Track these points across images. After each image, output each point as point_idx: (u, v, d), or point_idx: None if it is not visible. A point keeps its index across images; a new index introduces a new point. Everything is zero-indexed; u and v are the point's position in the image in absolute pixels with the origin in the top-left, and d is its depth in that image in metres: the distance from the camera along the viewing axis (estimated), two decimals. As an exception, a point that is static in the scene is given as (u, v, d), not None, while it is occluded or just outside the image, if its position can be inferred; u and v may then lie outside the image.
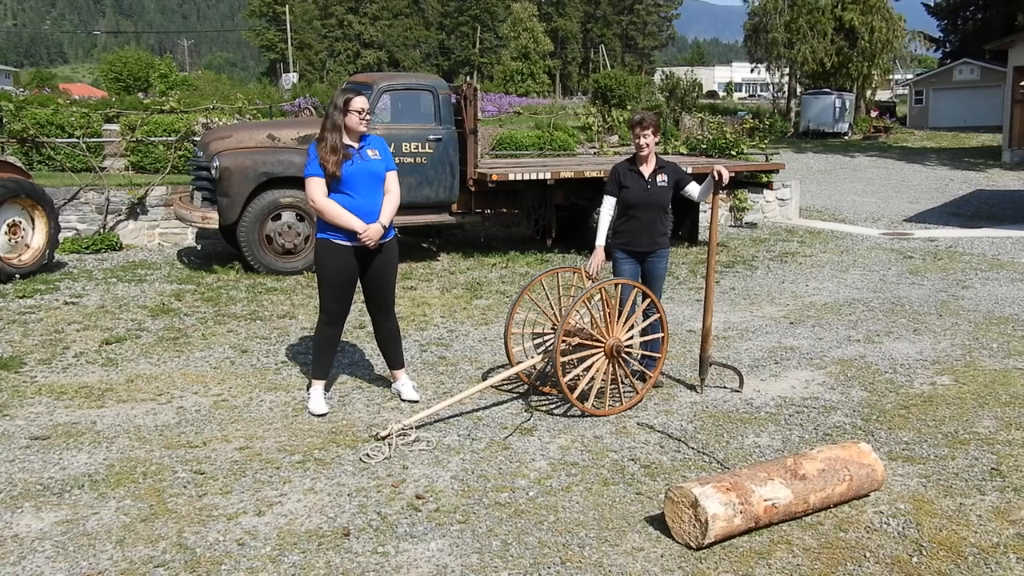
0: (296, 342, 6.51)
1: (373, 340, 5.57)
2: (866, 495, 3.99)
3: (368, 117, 4.84)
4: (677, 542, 3.56)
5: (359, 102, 4.78)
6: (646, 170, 5.37)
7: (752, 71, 45.38)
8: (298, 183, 8.44)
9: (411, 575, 3.32)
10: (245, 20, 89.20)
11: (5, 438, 4.59)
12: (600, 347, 5.00)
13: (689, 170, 5.65)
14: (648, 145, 5.31)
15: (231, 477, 4.14)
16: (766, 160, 14.02)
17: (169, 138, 12.29)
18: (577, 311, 5.06)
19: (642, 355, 5.36)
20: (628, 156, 5.60)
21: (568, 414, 5.05)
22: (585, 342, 5.03)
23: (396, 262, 5.18)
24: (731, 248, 11.06)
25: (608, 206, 5.46)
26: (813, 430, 4.86)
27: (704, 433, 4.80)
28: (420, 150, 9.31)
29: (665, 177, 5.39)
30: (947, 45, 42.55)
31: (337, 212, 4.78)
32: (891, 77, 46.09)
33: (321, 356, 5.10)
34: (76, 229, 10.56)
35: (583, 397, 5.00)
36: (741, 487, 3.57)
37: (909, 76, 46.68)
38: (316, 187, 4.79)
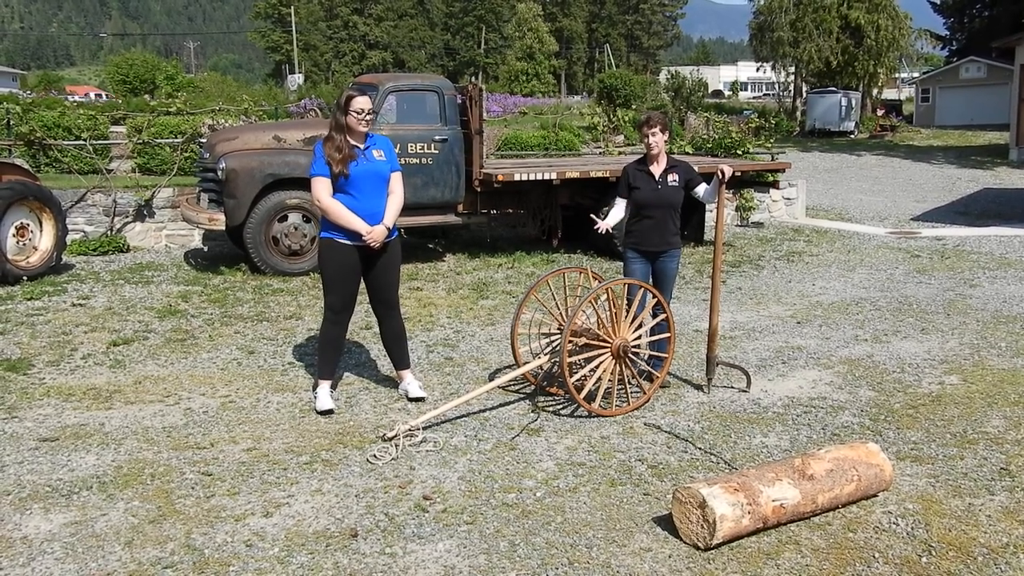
0: (303, 343, 6.52)
1: (379, 341, 5.58)
2: (875, 495, 3.97)
3: (369, 118, 4.85)
4: (685, 543, 3.55)
5: (359, 102, 4.80)
6: (656, 170, 5.36)
7: (758, 70, 45.31)
8: (304, 184, 8.44)
9: (419, 576, 3.33)
10: (251, 22, 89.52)
11: (14, 440, 4.61)
12: (607, 347, 5.00)
13: (696, 169, 5.64)
14: (657, 144, 5.29)
15: (239, 478, 4.14)
16: (772, 159, 14.01)
17: (175, 140, 12.32)
18: (583, 311, 5.05)
19: (649, 355, 5.35)
20: (639, 157, 5.59)
21: (575, 415, 5.04)
22: (592, 342, 5.03)
23: (399, 260, 5.19)
24: (737, 247, 11.04)
25: (619, 208, 5.46)
26: (821, 430, 4.85)
27: (711, 433, 4.79)
28: (426, 151, 9.31)
29: (676, 176, 5.38)
30: (953, 43, 42.39)
31: (341, 213, 4.80)
32: (897, 75, 45.95)
33: (326, 355, 5.10)
34: (83, 231, 10.60)
35: (590, 397, 4.99)
36: (749, 487, 3.56)
37: (915, 74, 46.53)
38: (321, 187, 4.81)
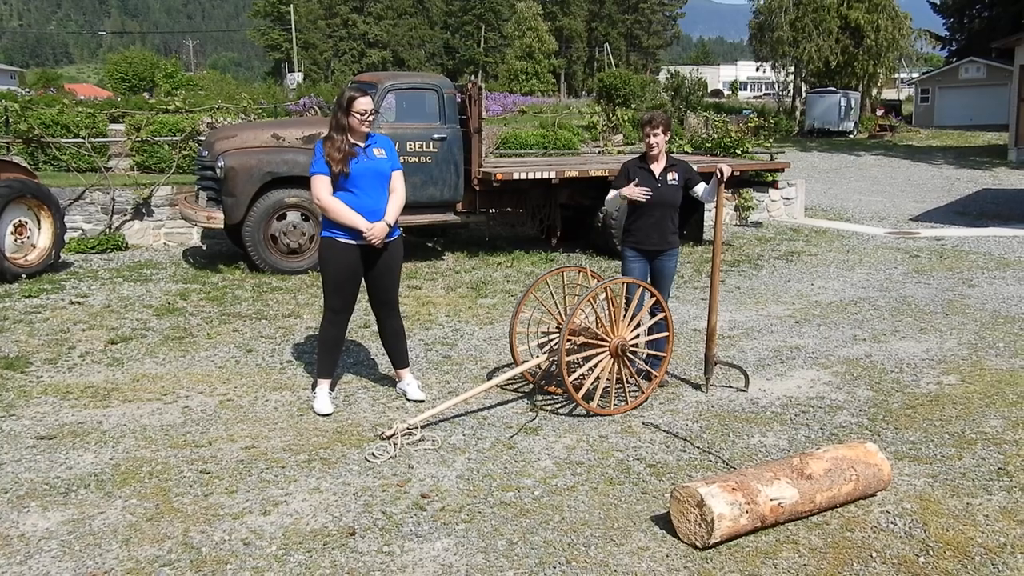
0: (301, 341, 6.51)
1: (378, 339, 5.57)
2: (872, 495, 3.97)
3: (371, 119, 4.84)
4: (683, 542, 3.55)
5: (361, 103, 4.78)
6: (656, 168, 5.36)
7: (757, 70, 45.31)
8: (303, 182, 8.45)
9: (416, 574, 3.32)
10: (250, 20, 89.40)
11: (11, 438, 4.60)
12: (605, 346, 5.00)
13: (695, 169, 5.63)
14: (657, 144, 5.29)
15: (236, 476, 4.14)
16: (771, 159, 14.01)
17: (174, 138, 12.31)
18: (582, 310, 5.05)
19: (647, 354, 5.35)
20: (639, 154, 5.59)
21: (573, 413, 5.04)
22: (590, 341, 5.03)
23: (401, 260, 5.18)
24: (736, 247, 11.04)
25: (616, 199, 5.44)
26: (819, 429, 4.85)
27: (710, 432, 4.79)
28: (425, 149, 9.30)
29: (676, 176, 5.38)
30: (953, 43, 42.40)
31: (342, 211, 4.79)
32: (896, 76, 46.00)
33: (326, 355, 5.09)
34: (82, 229, 10.59)
35: (588, 396, 4.99)
36: (747, 487, 3.56)
37: (915, 74, 46.56)
38: (322, 185, 4.79)
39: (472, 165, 9.64)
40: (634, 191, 5.26)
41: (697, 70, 42.32)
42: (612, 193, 5.46)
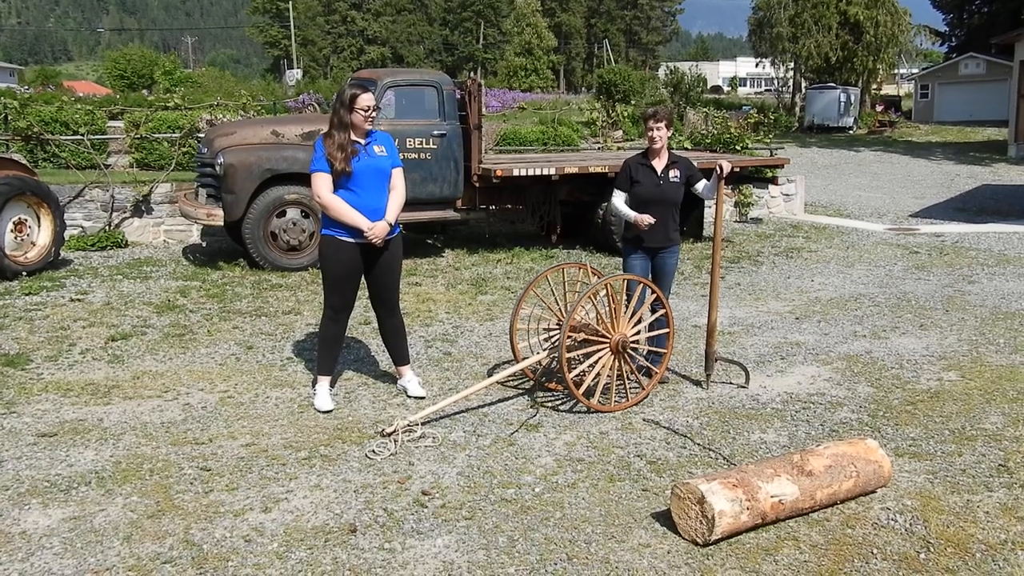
0: (302, 338, 6.51)
1: (378, 336, 5.57)
2: (873, 491, 3.98)
3: (374, 115, 4.83)
4: (683, 538, 3.55)
5: (365, 99, 4.76)
6: (658, 165, 5.35)
7: (757, 66, 45.29)
8: (302, 179, 8.45)
9: (417, 571, 3.33)
10: (249, 17, 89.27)
11: (12, 435, 4.60)
12: (606, 343, 5.00)
13: (696, 165, 5.63)
14: (660, 138, 5.29)
15: (237, 473, 4.14)
16: (771, 155, 14.00)
17: (173, 135, 12.30)
18: (582, 307, 5.05)
19: (648, 351, 5.35)
20: (640, 151, 5.58)
21: (574, 410, 5.04)
22: (591, 338, 5.02)
23: (401, 258, 5.17)
24: (736, 243, 11.04)
25: (621, 199, 5.44)
26: (819, 426, 4.85)
27: (710, 429, 4.79)
28: (424, 146, 9.29)
29: (678, 172, 5.38)
30: (953, 39, 42.38)
31: (343, 209, 4.77)
32: (896, 71, 45.95)
33: (326, 352, 5.09)
34: (81, 226, 10.59)
35: (589, 393, 4.99)
36: (748, 483, 3.56)
37: (914, 70, 46.52)
38: (322, 183, 4.77)
39: (472, 161, 9.64)
40: (645, 220, 5.23)
41: (696, 66, 42.30)
42: (619, 203, 5.42)
